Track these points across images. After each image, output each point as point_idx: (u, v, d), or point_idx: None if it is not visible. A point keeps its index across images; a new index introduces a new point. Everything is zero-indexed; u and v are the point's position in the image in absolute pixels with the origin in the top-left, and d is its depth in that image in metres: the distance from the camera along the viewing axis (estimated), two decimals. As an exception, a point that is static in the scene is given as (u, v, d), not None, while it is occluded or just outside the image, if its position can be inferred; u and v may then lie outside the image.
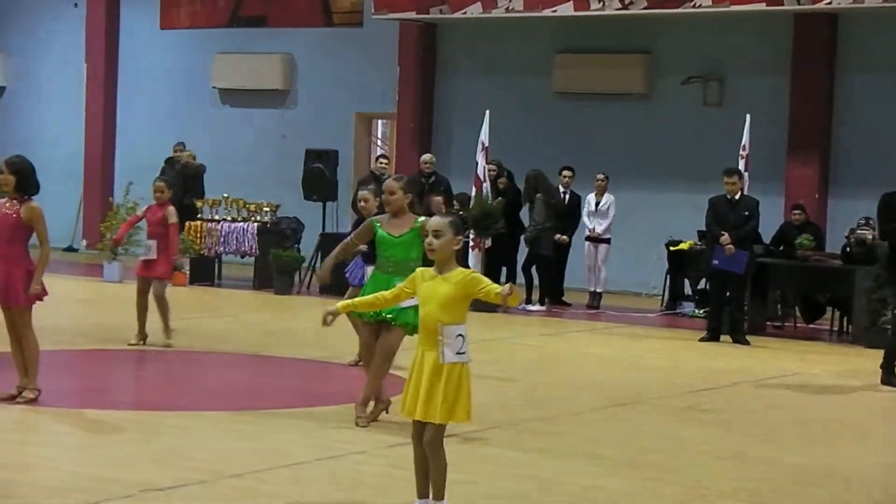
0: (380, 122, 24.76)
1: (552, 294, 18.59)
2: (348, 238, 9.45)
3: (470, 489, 7.13)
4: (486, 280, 6.36)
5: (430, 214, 9.99)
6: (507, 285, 6.18)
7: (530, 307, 18.02)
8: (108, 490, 6.83)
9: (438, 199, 17.13)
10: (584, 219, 18.84)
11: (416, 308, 7.29)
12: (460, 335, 6.29)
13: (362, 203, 10.70)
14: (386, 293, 6.86)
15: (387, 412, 9.11)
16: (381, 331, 8.94)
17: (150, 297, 12.66)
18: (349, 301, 7.13)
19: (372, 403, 9.12)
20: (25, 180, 9.22)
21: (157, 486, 6.95)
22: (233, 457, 7.86)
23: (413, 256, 8.93)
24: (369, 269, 10.04)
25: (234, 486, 7.13)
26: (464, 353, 6.31)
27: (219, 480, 7.21)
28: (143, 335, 12.65)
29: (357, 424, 8.88)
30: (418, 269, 6.58)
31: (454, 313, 6.30)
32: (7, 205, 9.23)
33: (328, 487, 7.20)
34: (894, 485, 8.49)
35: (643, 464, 8.27)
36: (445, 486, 6.37)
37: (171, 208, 12.82)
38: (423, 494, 6.47)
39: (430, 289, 6.36)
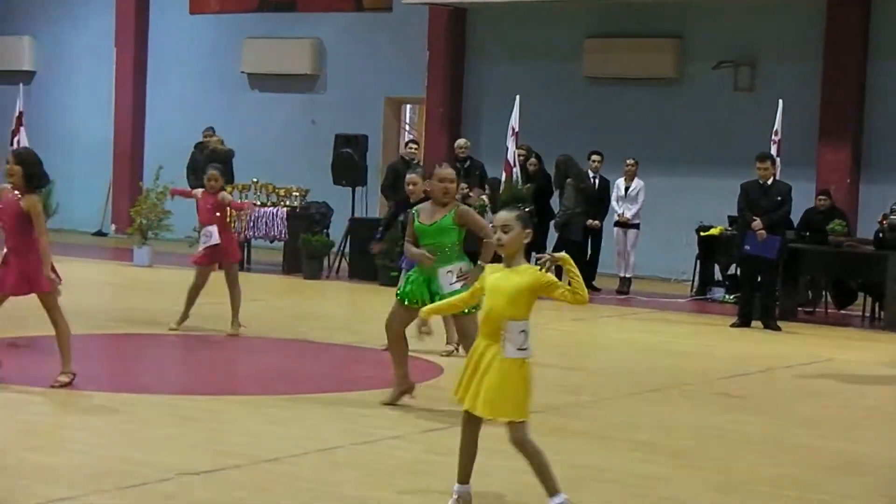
0: (408, 106, 24.73)
1: (586, 279, 18.57)
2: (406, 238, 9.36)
3: (510, 475, 7.11)
4: (560, 283, 6.28)
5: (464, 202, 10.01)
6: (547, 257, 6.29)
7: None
8: (145, 474, 6.84)
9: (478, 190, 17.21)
10: (614, 204, 18.78)
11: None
12: (523, 331, 6.24)
13: (410, 186, 10.70)
14: (464, 294, 6.94)
15: (411, 396, 9.14)
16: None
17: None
18: (433, 306, 7.28)
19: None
20: (31, 171, 9.21)
21: (194, 471, 6.95)
22: (268, 441, 7.86)
23: (447, 242, 8.91)
24: None
25: (269, 470, 7.12)
26: (525, 349, 6.25)
27: (254, 465, 7.21)
28: (185, 318, 12.66)
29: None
30: (488, 266, 6.54)
31: (519, 308, 6.24)
32: (12, 195, 9.26)
33: (364, 472, 7.20)
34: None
35: (679, 450, 8.23)
36: (553, 478, 6.25)
37: (225, 194, 12.85)
38: (463, 481, 6.46)
39: (497, 282, 6.30)
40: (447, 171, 9.10)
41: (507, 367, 6.19)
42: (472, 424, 6.40)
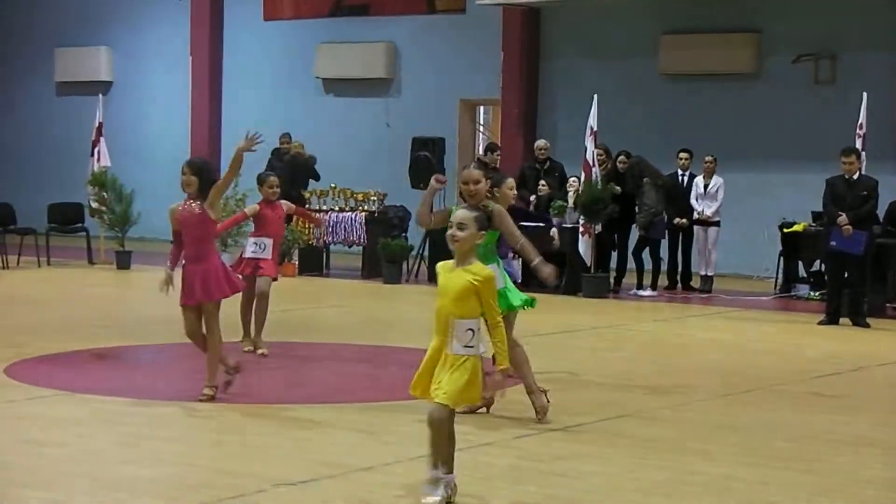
0: (481, 108, 24.67)
1: (683, 279, 18.47)
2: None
3: (605, 480, 7.02)
4: (494, 299, 6.49)
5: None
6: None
7: (642, 292, 17.84)
8: (241, 485, 6.82)
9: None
10: (693, 201, 18.59)
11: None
12: (470, 329, 6.41)
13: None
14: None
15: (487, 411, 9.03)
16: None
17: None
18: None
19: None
20: (208, 181, 9.29)
21: (290, 481, 6.92)
22: (360, 450, 7.82)
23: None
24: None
25: (364, 479, 7.08)
26: (472, 346, 6.43)
27: (349, 474, 7.18)
28: (251, 335, 11.93)
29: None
30: (440, 264, 6.66)
31: (467, 307, 6.41)
32: (190, 204, 9.29)
33: (460, 480, 7.12)
34: None
35: (775, 452, 8.08)
36: (451, 459, 6.51)
37: (288, 203, 12.41)
38: (434, 465, 6.55)
39: (447, 281, 6.49)
40: (470, 172, 9.03)
41: (454, 362, 6.40)
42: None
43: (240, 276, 10.69)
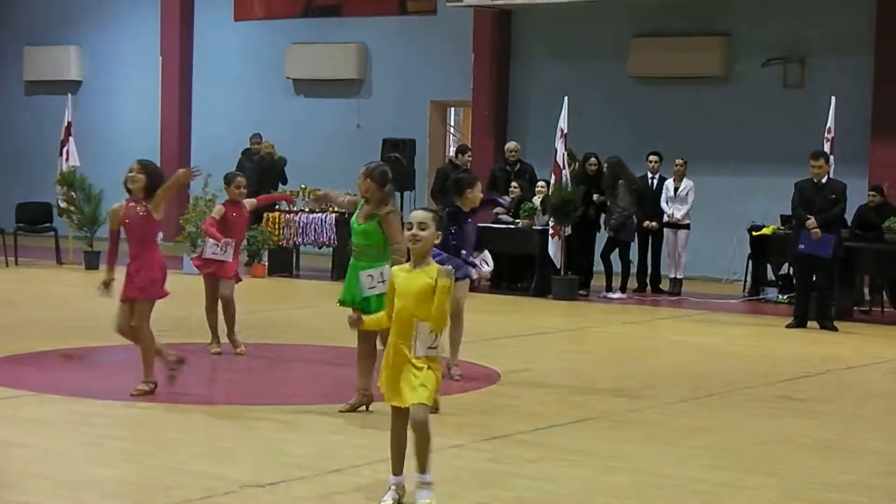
0: (452, 109, 24.68)
1: (652, 282, 18.52)
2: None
3: (575, 483, 7.02)
4: (444, 299, 6.41)
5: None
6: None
7: (611, 295, 17.88)
8: (210, 486, 6.80)
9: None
10: (663, 204, 18.64)
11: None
12: (433, 331, 6.40)
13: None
14: (383, 314, 6.86)
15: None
16: None
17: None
18: (369, 320, 7.13)
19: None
20: (155, 183, 9.38)
21: (259, 483, 6.90)
22: (331, 451, 7.81)
23: (372, 244, 9.09)
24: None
25: (334, 481, 7.06)
26: (435, 347, 6.46)
27: (319, 476, 7.16)
28: (218, 339, 11.86)
29: None
30: (394, 268, 6.71)
31: (428, 308, 6.39)
32: (134, 206, 9.37)
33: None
34: None
35: (745, 455, 8.10)
36: (428, 461, 6.48)
37: (251, 199, 12.26)
38: (397, 472, 6.57)
39: (405, 282, 6.48)
40: (362, 169, 9.13)
41: (419, 363, 6.39)
42: (401, 418, 6.53)
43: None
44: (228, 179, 12.03)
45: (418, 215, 6.59)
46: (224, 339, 11.79)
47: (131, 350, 9.71)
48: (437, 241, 6.63)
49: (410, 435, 6.47)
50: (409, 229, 6.54)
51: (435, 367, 6.47)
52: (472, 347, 11.43)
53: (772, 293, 18.00)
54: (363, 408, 9.10)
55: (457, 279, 10.96)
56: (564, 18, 21.83)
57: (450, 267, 6.57)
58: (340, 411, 9.02)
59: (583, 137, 19.10)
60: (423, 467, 6.46)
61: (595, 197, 17.83)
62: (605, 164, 18.13)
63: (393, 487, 6.55)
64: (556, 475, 7.30)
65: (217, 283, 11.69)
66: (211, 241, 11.70)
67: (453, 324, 10.21)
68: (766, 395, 10.53)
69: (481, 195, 10.92)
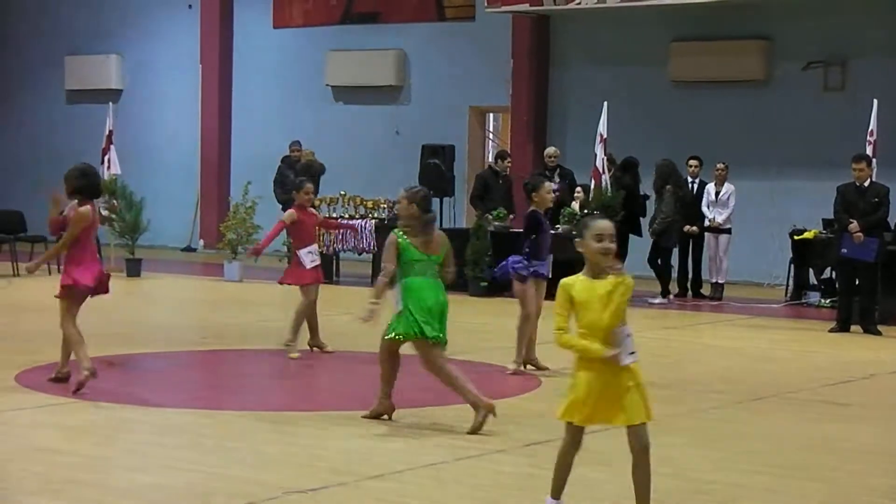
0: (491, 115, 24.68)
1: (694, 286, 18.45)
2: None
3: (615, 489, 6.99)
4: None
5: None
6: None
7: (652, 300, 17.80)
8: (252, 492, 6.81)
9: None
10: (704, 209, 18.55)
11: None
12: (629, 334, 6.24)
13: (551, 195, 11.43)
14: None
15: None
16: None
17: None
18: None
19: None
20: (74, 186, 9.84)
21: (300, 489, 6.91)
22: (371, 457, 7.81)
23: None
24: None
25: (376, 487, 7.06)
26: (634, 352, 6.33)
27: (360, 482, 7.16)
28: (319, 342, 12.36)
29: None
30: (566, 281, 6.31)
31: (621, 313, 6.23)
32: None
33: (470, 488, 7.11)
34: None
35: (788, 460, 8.06)
36: None
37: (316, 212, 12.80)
38: (556, 496, 6.38)
39: (590, 293, 6.18)
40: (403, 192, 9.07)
41: (630, 376, 6.43)
42: (575, 438, 6.41)
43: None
44: (298, 186, 12.37)
45: (607, 225, 6.22)
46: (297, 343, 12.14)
47: (174, 357, 9.75)
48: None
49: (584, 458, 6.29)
50: (600, 242, 6.17)
51: (638, 369, 6.41)
52: (514, 352, 11.42)
53: (814, 298, 17.89)
54: (385, 416, 9.03)
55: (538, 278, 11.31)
56: (603, 23, 21.79)
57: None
58: (363, 417, 9.00)
59: (623, 143, 19.04)
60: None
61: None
62: (656, 166, 18.09)
63: None
64: (596, 480, 7.28)
65: (318, 288, 12.25)
66: (305, 250, 12.11)
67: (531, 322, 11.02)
68: (809, 399, 10.46)
69: (551, 196, 11.48)
